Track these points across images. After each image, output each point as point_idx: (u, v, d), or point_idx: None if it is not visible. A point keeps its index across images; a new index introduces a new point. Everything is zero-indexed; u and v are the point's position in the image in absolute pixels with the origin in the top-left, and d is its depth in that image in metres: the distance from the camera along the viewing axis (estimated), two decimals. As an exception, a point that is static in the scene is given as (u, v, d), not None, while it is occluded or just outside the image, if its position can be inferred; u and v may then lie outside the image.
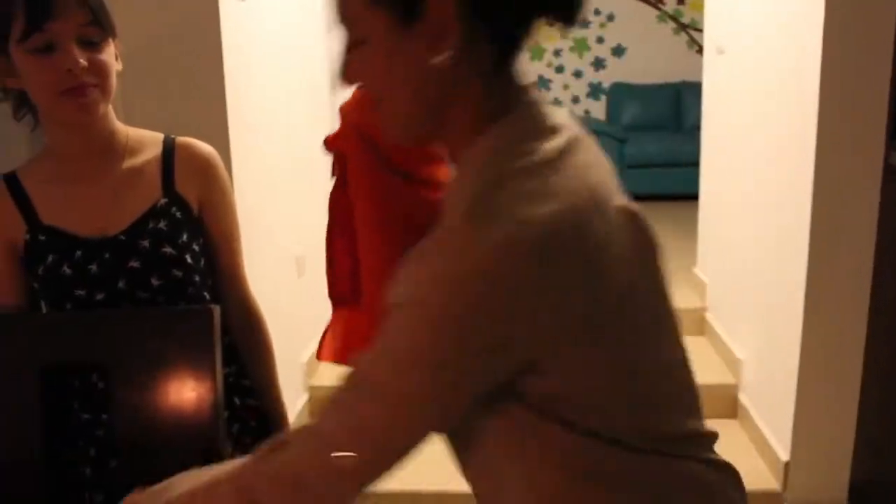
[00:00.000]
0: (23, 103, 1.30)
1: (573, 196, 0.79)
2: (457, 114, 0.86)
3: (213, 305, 1.30)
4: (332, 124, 1.00)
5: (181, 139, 1.39)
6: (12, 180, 1.33)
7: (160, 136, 1.38)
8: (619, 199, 0.86)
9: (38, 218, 1.31)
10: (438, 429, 0.85)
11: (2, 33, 1.22)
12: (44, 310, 1.35)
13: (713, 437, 0.96)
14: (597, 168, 0.86)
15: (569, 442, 0.83)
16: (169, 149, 1.37)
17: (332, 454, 0.80)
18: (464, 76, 0.84)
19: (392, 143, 0.95)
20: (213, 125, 2.21)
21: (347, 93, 0.98)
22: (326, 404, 0.84)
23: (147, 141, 1.37)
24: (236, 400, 1.43)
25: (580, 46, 7.07)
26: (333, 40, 3.54)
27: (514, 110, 0.85)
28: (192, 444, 1.24)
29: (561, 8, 0.85)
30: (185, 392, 1.25)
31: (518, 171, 0.79)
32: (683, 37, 6.97)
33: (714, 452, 0.96)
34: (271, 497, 0.83)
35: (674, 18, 6.95)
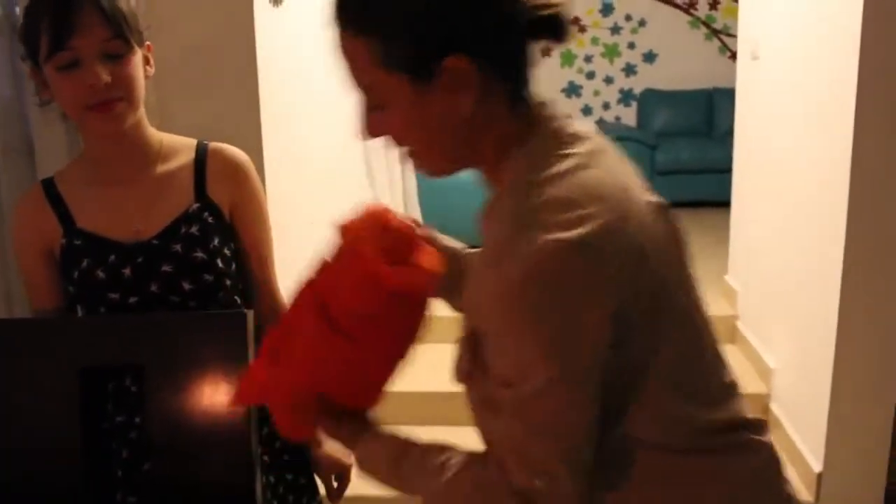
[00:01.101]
0: None
1: (607, 194, 0.83)
2: (485, 145, 0.91)
3: (246, 310, 1.31)
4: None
5: (214, 145, 1.40)
6: (50, 186, 1.36)
7: (193, 142, 1.40)
8: (648, 195, 0.90)
9: (73, 223, 1.33)
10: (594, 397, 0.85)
11: (33, 50, 1.24)
12: (79, 313, 1.37)
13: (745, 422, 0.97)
14: (623, 168, 0.91)
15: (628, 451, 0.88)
16: (202, 154, 1.38)
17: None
18: (485, 113, 0.88)
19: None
20: (247, 131, 2.23)
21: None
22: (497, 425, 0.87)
23: (180, 147, 1.39)
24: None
25: (611, 52, 7.04)
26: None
27: (538, 129, 0.90)
28: (224, 447, 1.25)
29: (552, 30, 0.89)
30: (218, 395, 1.26)
31: (551, 179, 0.84)
32: (715, 42, 6.91)
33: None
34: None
35: (706, 24, 6.89)
